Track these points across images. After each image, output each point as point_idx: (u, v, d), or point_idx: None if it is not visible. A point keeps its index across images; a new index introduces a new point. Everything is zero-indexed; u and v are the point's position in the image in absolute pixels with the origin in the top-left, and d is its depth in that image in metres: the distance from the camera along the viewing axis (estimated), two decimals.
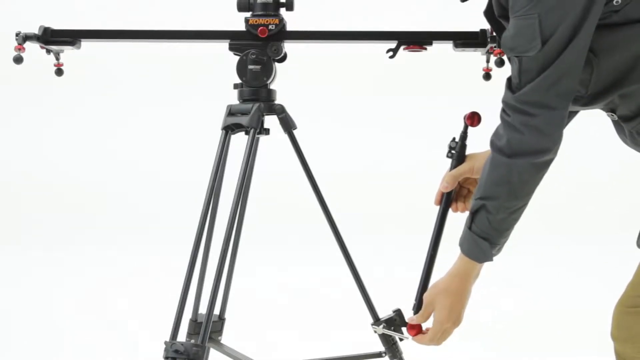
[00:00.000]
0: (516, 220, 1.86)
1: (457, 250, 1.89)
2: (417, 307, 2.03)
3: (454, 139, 2.06)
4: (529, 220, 2.14)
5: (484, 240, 1.86)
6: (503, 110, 1.80)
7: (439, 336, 1.97)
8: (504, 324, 3.67)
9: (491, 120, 1.93)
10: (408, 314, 2.05)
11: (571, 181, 4.83)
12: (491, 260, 1.90)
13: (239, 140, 2.13)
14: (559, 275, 4.29)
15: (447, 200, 2.06)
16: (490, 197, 1.82)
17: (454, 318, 1.94)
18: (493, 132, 1.83)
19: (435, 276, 2.01)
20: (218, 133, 2.11)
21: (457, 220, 2.02)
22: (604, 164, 5.04)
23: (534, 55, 1.70)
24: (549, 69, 1.71)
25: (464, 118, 2.04)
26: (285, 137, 2.16)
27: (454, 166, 2.04)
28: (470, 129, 2.05)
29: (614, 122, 1.92)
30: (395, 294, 2.25)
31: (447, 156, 2.06)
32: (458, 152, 2.04)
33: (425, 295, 1.99)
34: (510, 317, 3.75)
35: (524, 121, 1.76)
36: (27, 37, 2.10)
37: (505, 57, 2.02)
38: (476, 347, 3.42)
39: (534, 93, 1.74)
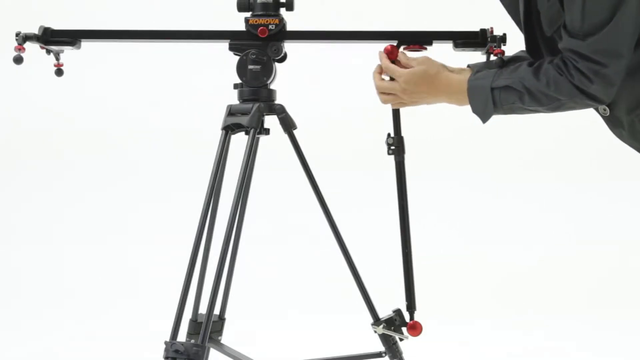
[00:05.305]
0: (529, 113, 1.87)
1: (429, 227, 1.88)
2: (409, 307, 2.07)
3: (389, 135, 2.08)
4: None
5: (495, 107, 1.85)
6: (569, 56, 1.74)
7: (382, 90, 2.02)
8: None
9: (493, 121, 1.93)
10: (406, 315, 2.06)
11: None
12: (483, 121, 1.89)
13: (239, 140, 2.13)
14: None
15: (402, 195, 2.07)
16: (533, 96, 1.80)
17: (409, 88, 1.96)
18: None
19: (417, 273, 2.02)
20: (218, 133, 2.12)
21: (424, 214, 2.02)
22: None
23: None
24: (618, 13, 1.65)
25: (385, 52, 2.04)
26: (285, 137, 2.16)
27: (401, 160, 2.06)
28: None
29: (607, 118, 1.89)
30: (395, 294, 2.24)
31: (389, 154, 2.08)
32: (397, 146, 2.07)
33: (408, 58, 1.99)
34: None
35: (594, 69, 1.72)
36: (27, 37, 2.10)
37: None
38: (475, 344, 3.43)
39: (608, 41, 1.69)
